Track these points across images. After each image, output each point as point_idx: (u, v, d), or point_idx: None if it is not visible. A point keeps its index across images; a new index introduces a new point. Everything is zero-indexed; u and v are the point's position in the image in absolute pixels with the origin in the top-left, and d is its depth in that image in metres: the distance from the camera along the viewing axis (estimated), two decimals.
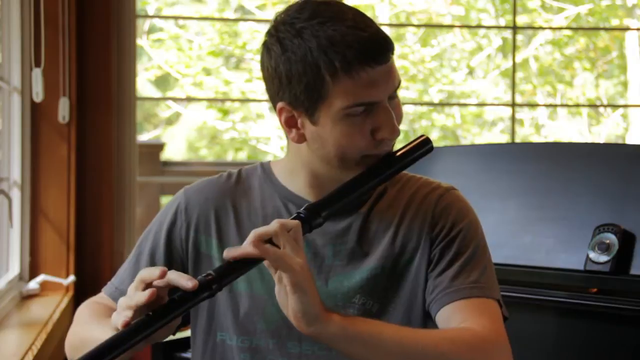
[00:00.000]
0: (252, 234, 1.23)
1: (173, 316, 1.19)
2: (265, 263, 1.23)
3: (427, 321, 1.41)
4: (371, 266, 1.41)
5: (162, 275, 1.19)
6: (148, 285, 1.20)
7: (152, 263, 1.48)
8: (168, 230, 1.49)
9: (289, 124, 1.38)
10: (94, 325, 1.38)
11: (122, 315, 1.18)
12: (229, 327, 1.45)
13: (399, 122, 1.38)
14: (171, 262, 1.48)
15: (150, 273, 1.21)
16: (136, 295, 1.19)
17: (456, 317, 1.34)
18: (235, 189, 1.50)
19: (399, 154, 1.41)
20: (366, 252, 1.42)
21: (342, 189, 1.37)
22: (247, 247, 1.22)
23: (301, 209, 1.32)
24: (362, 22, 1.33)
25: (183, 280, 1.18)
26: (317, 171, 1.42)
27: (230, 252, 1.22)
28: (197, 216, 1.48)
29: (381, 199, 1.45)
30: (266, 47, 1.37)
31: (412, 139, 1.45)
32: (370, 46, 1.31)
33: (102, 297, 1.52)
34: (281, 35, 1.34)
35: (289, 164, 1.47)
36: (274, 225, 1.24)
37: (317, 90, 1.32)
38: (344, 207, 1.37)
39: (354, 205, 1.43)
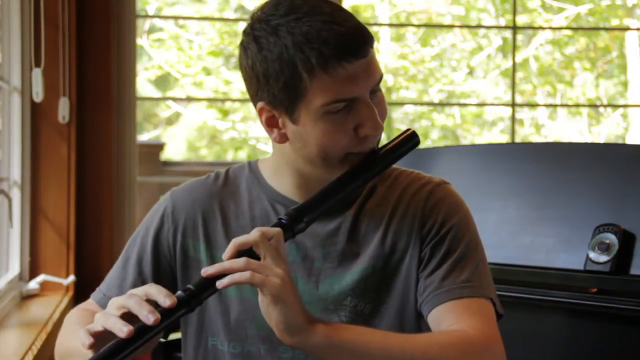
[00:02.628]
0: (232, 245, 1.21)
1: (152, 335, 1.16)
2: None
3: (421, 321, 1.39)
4: (362, 267, 1.38)
5: (155, 323, 1.14)
6: (126, 312, 1.16)
7: (140, 269, 1.45)
8: (155, 235, 1.46)
9: (270, 124, 1.35)
10: (78, 334, 1.34)
11: (85, 334, 1.16)
12: (219, 333, 1.42)
13: (383, 117, 1.33)
14: (159, 267, 1.45)
15: (140, 308, 1.15)
16: (111, 320, 1.15)
17: (447, 319, 1.31)
18: (222, 191, 1.46)
19: (384, 150, 1.37)
20: (356, 253, 1.39)
21: (325, 191, 1.33)
22: (224, 264, 1.19)
23: (282, 215, 1.29)
24: (339, 17, 1.28)
25: (161, 297, 1.16)
26: (302, 171, 1.39)
27: (207, 271, 1.19)
28: (185, 220, 1.45)
29: (370, 197, 1.42)
30: (243, 47, 1.33)
31: None
32: (347, 41, 1.27)
33: (90, 304, 1.49)
34: (257, 34, 1.30)
35: (274, 164, 1.44)
36: (254, 234, 1.21)
37: (295, 88, 1.28)
38: (329, 209, 1.34)
39: (343, 204, 1.40)
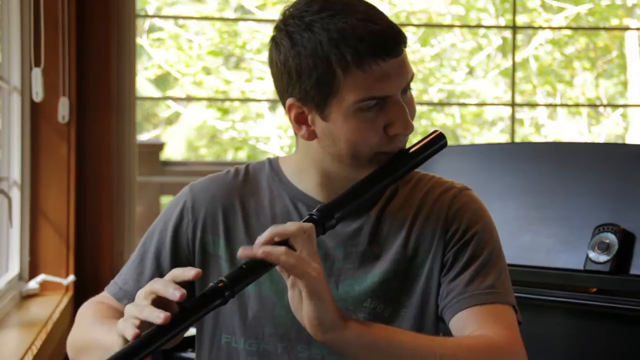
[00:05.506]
0: (269, 231, 1.19)
1: (184, 326, 1.15)
2: (278, 267, 1.18)
3: (439, 325, 1.38)
4: (383, 269, 1.37)
5: (181, 298, 1.14)
6: (159, 297, 1.15)
7: (158, 263, 1.44)
8: (174, 229, 1.44)
9: (299, 121, 1.33)
10: (97, 326, 1.34)
11: (129, 324, 1.14)
12: (235, 330, 1.40)
13: (412, 117, 1.33)
14: (177, 262, 1.43)
15: (165, 288, 1.15)
16: (147, 310, 1.14)
17: (471, 324, 1.31)
18: (243, 187, 1.44)
19: (412, 150, 1.36)
20: (377, 255, 1.38)
21: (354, 188, 1.32)
22: (265, 247, 1.17)
23: (313, 211, 1.27)
24: (373, 15, 1.29)
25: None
26: (328, 169, 1.37)
27: (245, 251, 1.17)
28: (204, 215, 1.43)
29: (393, 199, 1.41)
30: (275, 42, 1.32)
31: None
32: (383, 39, 1.27)
33: (104, 297, 1.47)
34: (290, 29, 1.29)
35: (298, 162, 1.42)
36: (292, 226, 1.19)
37: (328, 84, 1.28)
38: (357, 207, 1.33)
39: (366, 206, 1.39)
